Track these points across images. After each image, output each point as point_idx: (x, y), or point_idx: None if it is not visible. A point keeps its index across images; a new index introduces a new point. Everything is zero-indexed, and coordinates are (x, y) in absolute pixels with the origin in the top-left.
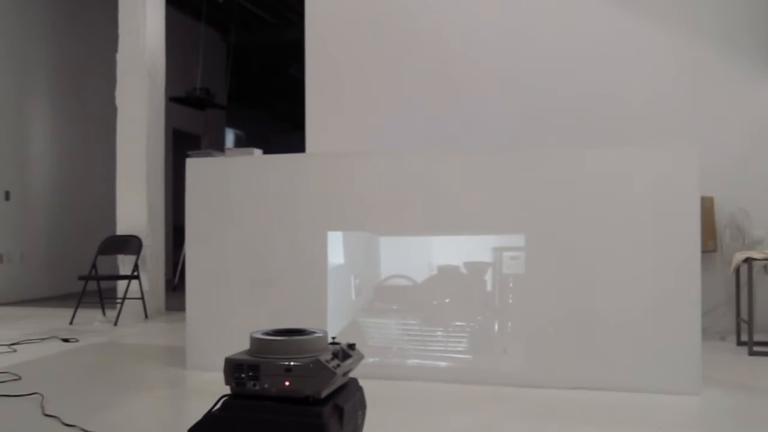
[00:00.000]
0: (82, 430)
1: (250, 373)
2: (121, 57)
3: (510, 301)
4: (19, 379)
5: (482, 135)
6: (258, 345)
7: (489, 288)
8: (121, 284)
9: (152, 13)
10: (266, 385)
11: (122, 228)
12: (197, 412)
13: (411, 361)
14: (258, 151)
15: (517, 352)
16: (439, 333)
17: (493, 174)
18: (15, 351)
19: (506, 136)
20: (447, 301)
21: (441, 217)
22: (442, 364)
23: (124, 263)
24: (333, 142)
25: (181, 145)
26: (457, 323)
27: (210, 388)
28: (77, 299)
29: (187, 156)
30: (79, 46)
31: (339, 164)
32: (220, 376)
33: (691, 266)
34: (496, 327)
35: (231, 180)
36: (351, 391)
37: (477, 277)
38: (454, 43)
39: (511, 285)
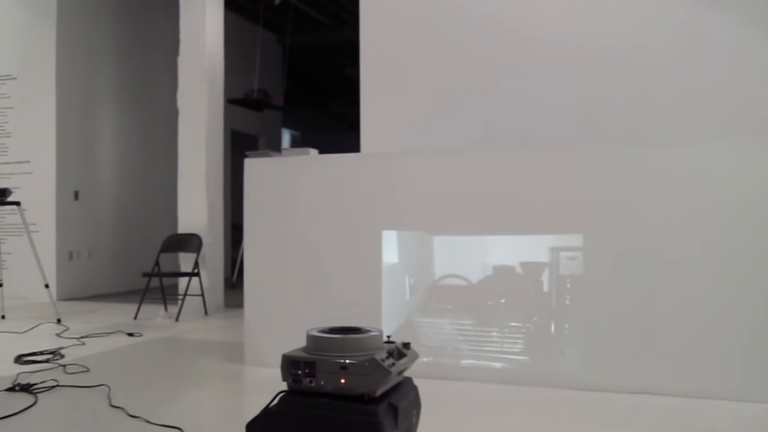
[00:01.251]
0: (146, 421)
1: (307, 370)
2: (182, 61)
3: (567, 302)
4: (88, 370)
5: (538, 132)
6: (314, 342)
7: (545, 289)
8: (182, 281)
9: (212, 17)
10: (322, 382)
11: (183, 227)
12: (255, 406)
13: (465, 362)
14: (314, 151)
15: (575, 354)
16: (494, 333)
17: (550, 171)
18: (84, 344)
19: (563, 132)
20: (502, 301)
21: (497, 216)
22: (497, 365)
23: (185, 261)
24: (388, 141)
25: (239, 145)
26: (513, 324)
27: (267, 384)
28: (141, 295)
29: (245, 156)
30: (142, 51)
31: (394, 164)
32: (276, 372)
33: (764, 265)
34: (553, 328)
35: (287, 180)
36: (406, 390)
37: (533, 278)
38: (510, 40)
39: (568, 286)
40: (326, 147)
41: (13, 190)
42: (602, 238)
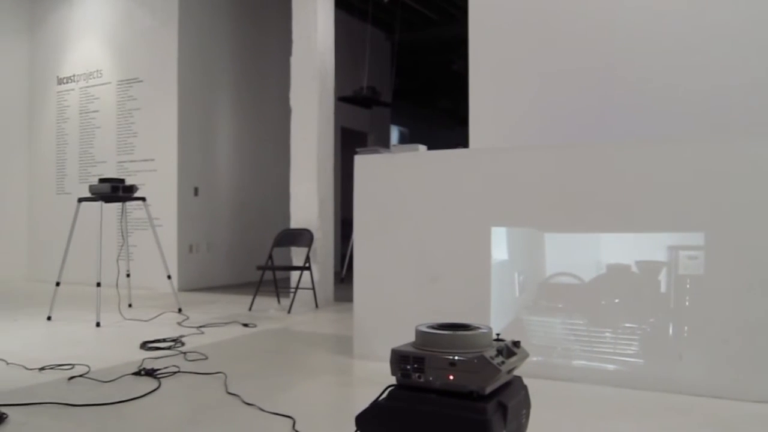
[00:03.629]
0: (260, 409)
1: (416, 365)
2: (294, 61)
3: (687, 304)
4: (206, 358)
5: (653, 127)
6: (423, 338)
7: (663, 289)
8: (294, 275)
9: (323, 17)
10: (431, 378)
11: (295, 222)
12: (364, 399)
13: (577, 362)
14: (423, 147)
15: (695, 359)
16: (607, 334)
17: (669, 167)
18: (203, 333)
19: (679, 126)
20: (616, 301)
21: (611, 213)
22: (610, 366)
23: (297, 255)
24: (497, 137)
25: (349, 142)
26: (628, 325)
27: (376, 378)
28: (255, 288)
29: (355, 153)
30: (257, 53)
31: (504, 159)
32: (385, 366)
33: None
34: (671, 331)
35: (397, 176)
36: (515, 389)
37: (650, 277)
38: (622, 34)
39: (688, 286)
40: (435, 143)
41: (139, 186)
42: (726, 237)
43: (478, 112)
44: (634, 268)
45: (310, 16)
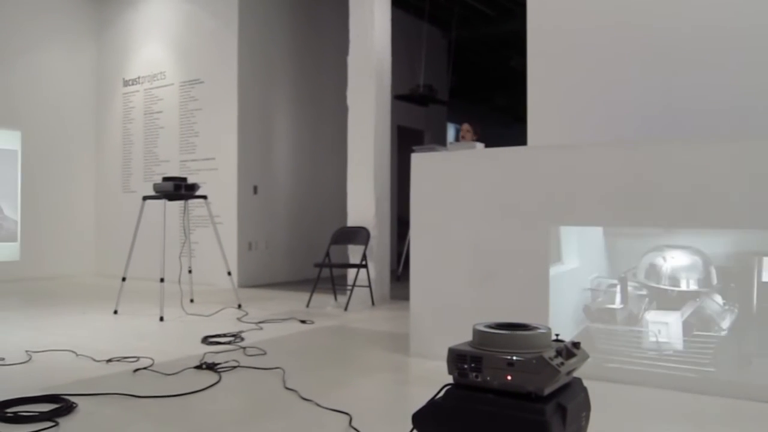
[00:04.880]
0: (317, 405)
1: (473, 365)
2: (351, 59)
3: (755, 310)
4: (265, 353)
5: (719, 124)
6: (481, 337)
7: (738, 292)
8: (351, 272)
9: (379, 16)
10: (488, 378)
11: (352, 220)
12: (420, 398)
13: (640, 365)
14: (480, 145)
15: (766, 364)
16: (673, 337)
17: (741, 164)
18: (261, 329)
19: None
20: (684, 302)
21: (678, 212)
22: (675, 370)
23: (354, 253)
24: (555, 134)
25: (405, 140)
26: (698, 332)
27: (432, 376)
28: (313, 285)
29: (412, 151)
30: (314, 53)
31: (563, 157)
32: (441, 364)
33: None
34: (745, 336)
35: (454, 174)
36: (575, 390)
37: (723, 281)
38: (687, 28)
39: (757, 289)
40: (492, 140)
41: (200, 185)
42: None
43: (536, 109)
44: (706, 271)
45: (367, 15)
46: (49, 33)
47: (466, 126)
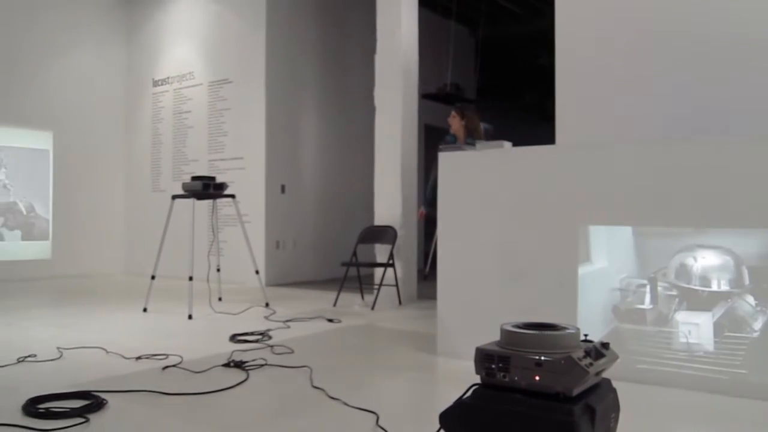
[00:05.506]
0: (344, 403)
1: (500, 365)
2: (378, 59)
3: None
4: (292, 352)
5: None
6: (508, 337)
7: None
8: (378, 271)
9: (407, 15)
10: (516, 378)
11: (379, 219)
12: (447, 397)
13: (670, 366)
14: (507, 144)
15: None
16: (705, 338)
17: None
18: (289, 327)
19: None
20: (716, 303)
21: (711, 211)
22: (706, 372)
23: (381, 252)
24: (584, 132)
25: (432, 139)
26: (729, 334)
27: (459, 376)
28: (340, 284)
29: (439, 150)
30: (341, 53)
31: (592, 155)
32: (468, 364)
33: None
34: None
35: (481, 173)
36: (604, 391)
37: (756, 281)
38: (719, 26)
39: None
40: (520, 139)
41: (228, 184)
42: None
43: (564, 107)
44: (738, 271)
45: (394, 14)
46: (81, 35)
47: (452, 112)
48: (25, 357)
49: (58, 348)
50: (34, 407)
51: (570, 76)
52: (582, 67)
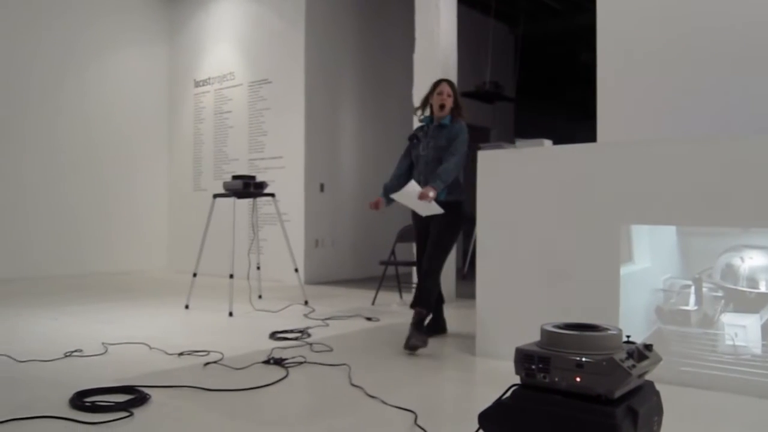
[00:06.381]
0: (383, 402)
1: (541, 365)
2: (417, 58)
3: None
4: (331, 350)
5: None
6: (549, 337)
7: None
8: (416, 270)
9: (445, 13)
10: (556, 379)
11: None
12: (486, 398)
13: (714, 369)
14: (548, 142)
15: None
16: (753, 341)
17: None
18: (327, 325)
19: None
20: (764, 304)
21: (757, 210)
22: (753, 375)
23: None
24: (626, 129)
25: (472, 138)
26: None
27: (498, 376)
28: (378, 282)
29: (478, 149)
30: (379, 52)
31: (636, 153)
32: (508, 364)
33: None
34: None
35: (521, 171)
36: (647, 394)
37: None
38: (762, 20)
39: None
40: (561, 137)
41: (268, 183)
42: None
43: (606, 104)
44: None
45: (433, 12)
46: (124, 36)
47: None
48: (72, 352)
49: (103, 343)
50: (80, 401)
51: (612, 72)
52: (624, 63)
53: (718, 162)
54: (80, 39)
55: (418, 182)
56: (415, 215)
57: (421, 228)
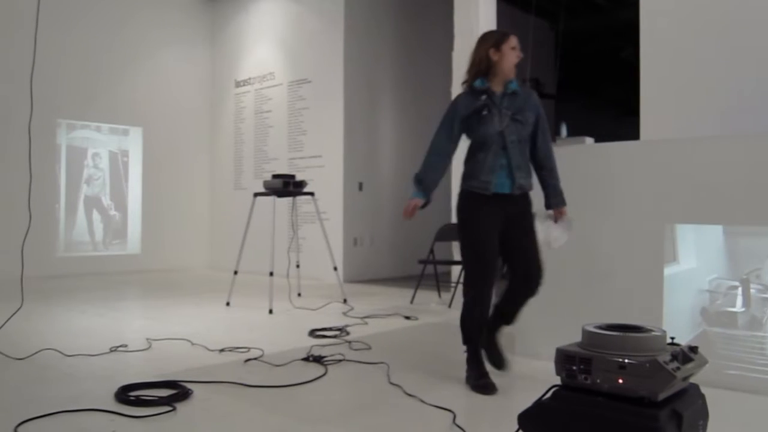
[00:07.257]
0: (421, 401)
1: (582, 366)
2: (456, 56)
3: None
4: (370, 348)
5: None
6: (590, 338)
7: None
8: (455, 269)
9: (485, 11)
10: (598, 380)
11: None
12: (525, 398)
13: (762, 373)
14: (589, 140)
15: None
16: None
17: None
18: (366, 323)
19: None
20: None
21: None
22: None
23: (458, 250)
24: (670, 127)
25: None
26: None
27: (538, 376)
28: (417, 281)
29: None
30: (418, 51)
31: (681, 150)
32: (547, 364)
33: None
34: None
35: (563, 169)
36: (692, 397)
37: None
38: None
39: None
40: (602, 134)
41: (307, 182)
42: None
43: (649, 101)
44: None
45: (472, 9)
46: (168, 35)
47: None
48: (117, 347)
49: (147, 339)
50: (125, 395)
51: (655, 69)
52: (668, 59)
53: (765, 160)
54: (125, 39)
55: (504, 173)
56: (484, 208)
57: (490, 227)
